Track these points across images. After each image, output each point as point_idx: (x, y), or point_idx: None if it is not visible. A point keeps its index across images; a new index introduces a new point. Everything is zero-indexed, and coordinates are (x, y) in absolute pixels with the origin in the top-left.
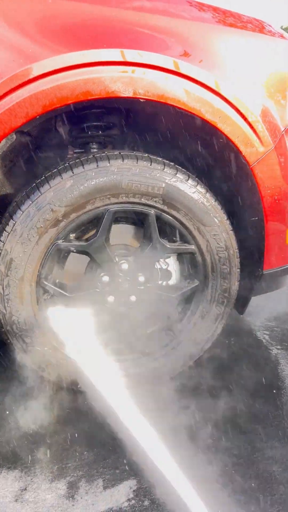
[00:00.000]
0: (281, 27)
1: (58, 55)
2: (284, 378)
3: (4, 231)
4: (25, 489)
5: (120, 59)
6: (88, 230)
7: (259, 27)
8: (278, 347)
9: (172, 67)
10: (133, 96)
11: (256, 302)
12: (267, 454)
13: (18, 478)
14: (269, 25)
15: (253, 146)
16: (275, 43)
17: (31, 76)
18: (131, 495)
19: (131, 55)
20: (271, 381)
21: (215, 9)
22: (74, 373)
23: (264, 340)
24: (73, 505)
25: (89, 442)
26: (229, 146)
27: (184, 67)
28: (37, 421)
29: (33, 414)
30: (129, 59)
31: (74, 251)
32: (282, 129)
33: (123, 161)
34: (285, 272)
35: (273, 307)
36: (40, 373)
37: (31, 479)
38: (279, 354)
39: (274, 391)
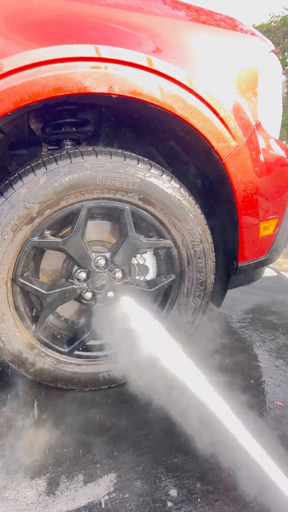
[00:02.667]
0: (253, 25)
1: (28, 51)
2: (262, 369)
3: None
4: (5, 487)
5: (92, 54)
6: (64, 227)
7: (231, 25)
8: (257, 338)
9: (145, 63)
10: (106, 92)
11: (233, 295)
12: None
13: None
14: (241, 23)
15: (225, 141)
16: (247, 40)
17: (1, 72)
18: (112, 489)
19: (103, 50)
20: (249, 372)
21: (188, 7)
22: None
23: (241, 332)
24: (53, 501)
25: (69, 439)
26: (202, 141)
27: (157, 64)
28: (15, 419)
29: (11, 412)
30: (101, 55)
31: (50, 248)
32: (253, 124)
33: (97, 157)
34: (259, 265)
35: (249, 299)
36: (18, 370)
37: (11, 477)
38: (255, 345)
39: (252, 381)
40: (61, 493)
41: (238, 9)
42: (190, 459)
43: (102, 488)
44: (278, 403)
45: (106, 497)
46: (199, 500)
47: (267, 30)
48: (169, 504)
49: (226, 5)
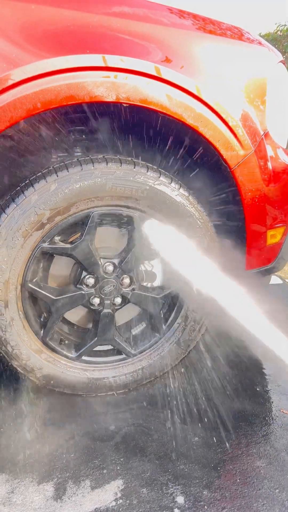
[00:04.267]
0: (259, 34)
1: (41, 60)
2: (267, 376)
3: None
4: (12, 492)
5: (103, 64)
6: (73, 233)
7: (238, 34)
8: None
9: (154, 73)
10: (116, 100)
11: None
12: (251, 450)
13: (5, 481)
14: (248, 32)
15: (233, 150)
16: (254, 49)
17: (15, 81)
18: (119, 495)
19: (114, 60)
20: (255, 379)
21: (194, 16)
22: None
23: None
24: (61, 506)
25: (76, 444)
26: (210, 150)
27: (166, 73)
28: (23, 424)
29: (19, 416)
30: (111, 65)
31: (59, 254)
32: (262, 133)
33: (107, 164)
34: (266, 272)
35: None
36: (26, 375)
37: (18, 481)
38: (262, 354)
39: (257, 388)
40: (68, 499)
41: (244, 17)
42: (197, 466)
43: (109, 494)
44: (284, 411)
45: (113, 503)
46: (206, 507)
47: (273, 39)
48: (176, 511)
49: (232, 13)
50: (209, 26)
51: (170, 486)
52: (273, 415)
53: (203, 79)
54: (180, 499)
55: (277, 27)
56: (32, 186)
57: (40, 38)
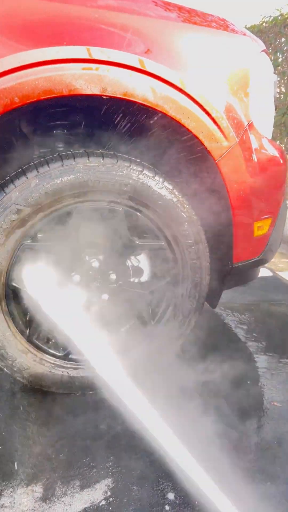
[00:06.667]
0: (245, 26)
1: (18, 53)
2: (258, 369)
3: None
4: (0, 494)
5: (83, 56)
6: (57, 229)
7: (223, 25)
8: (252, 338)
9: (137, 65)
10: (97, 93)
11: (228, 295)
12: (241, 444)
13: None
14: (232, 24)
15: (217, 141)
16: (238, 40)
17: None
18: (109, 493)
19: (94, 52)
20: (245, 372)
21: (180, 8)
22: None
23: (236, 332)
24: (50, 507)
25: (65, 444)
26: (194, 142)
27: (149, 65)
28: (10, 424)
29: (5, 416)
30: (92, 56)
31: (43, 251)
32: (246, 124)
33: (88, 159)
34: (254, 265)
35: (244, 299)
36: (13, 375)
37: (6, 483)
38: (250, 345)
39: (248, 381)
40: (58, 499)
41: (230, 10)
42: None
43: (99, 493)
44: (275, 404)
45: (103, 502)
46: (196, 503)
47: (259, 31)
48: (167, 508)
49: (218, 6)
50: (194, 18)
51: (161, 482)
52: (264, 408)
53: (187, 71)
54: (171, 496)
55: (262, 18)
56: (12, 182)
57: (16, 29)
